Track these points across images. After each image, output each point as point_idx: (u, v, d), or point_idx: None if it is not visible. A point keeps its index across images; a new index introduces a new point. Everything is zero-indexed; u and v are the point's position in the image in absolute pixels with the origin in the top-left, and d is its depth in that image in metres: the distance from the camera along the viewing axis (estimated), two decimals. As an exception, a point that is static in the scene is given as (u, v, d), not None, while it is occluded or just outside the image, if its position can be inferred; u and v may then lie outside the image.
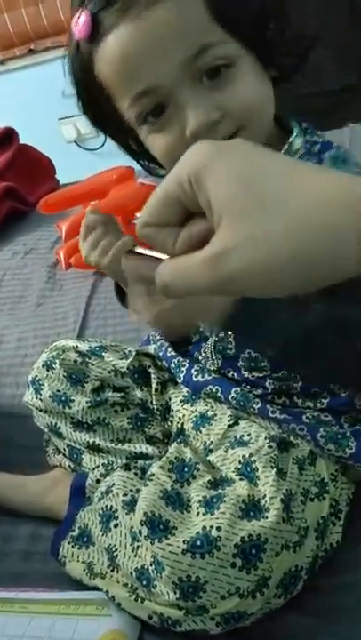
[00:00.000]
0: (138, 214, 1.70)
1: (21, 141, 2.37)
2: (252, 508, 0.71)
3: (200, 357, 0.91)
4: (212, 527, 0.69)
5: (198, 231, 0.40)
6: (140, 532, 0.71)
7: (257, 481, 0.74)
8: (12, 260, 1.88)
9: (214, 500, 0.73)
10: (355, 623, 0.71)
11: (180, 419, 0.91)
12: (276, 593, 0.70)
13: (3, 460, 1.04)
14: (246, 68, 0.67)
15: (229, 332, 0.83)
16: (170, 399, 0.95)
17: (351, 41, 2.63)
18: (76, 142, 3.07)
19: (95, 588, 0.77)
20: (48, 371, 0.96)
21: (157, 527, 0.71)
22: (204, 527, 0.69)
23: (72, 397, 0.94)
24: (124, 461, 0.89)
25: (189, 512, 0.73)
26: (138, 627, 0.72)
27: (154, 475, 0.78)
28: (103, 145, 3.02)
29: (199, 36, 0.64)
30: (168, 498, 0.75)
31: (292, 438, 0.80)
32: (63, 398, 0.94)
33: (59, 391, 0.94)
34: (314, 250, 0.36)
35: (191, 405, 0.91)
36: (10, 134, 2.34)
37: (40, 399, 0.95)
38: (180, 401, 0.92)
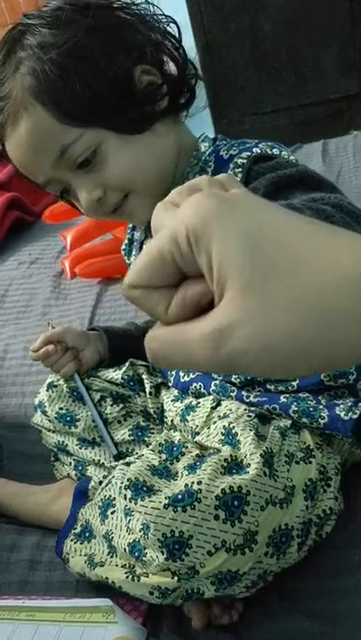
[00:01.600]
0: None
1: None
2: (233, 466, 0.73)
3: None
4: (193, 482, 0.70)
5: (193, 295, 0.35)
6: (125, 496, 0.73)
7: (239, 445, 0.75)
8: (17, 269, 1.89)
9: (197, 463, 0.74)
10: (355, 627, 0.71)
11: (170, 416, 0.93)
12: (267, 551, 0.71)
13: (8, 470, 1.05)
14: (112, 145, 0.80)
15: None
16: (163, 401, 0.97)
17: (354, 50, 2.64)
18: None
19: (98, 585, 0.77)
20: (49, 391, 1.00)
21: (141, 489, 0.72)
22: (185, 484, 0.70)
23: (77, 416, 0.96)
24: None
25: (175, 480, 0.74)
26: (144, 634, 0.72)
27: (143, 455, 0.81)
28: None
29: (55, 141, 0.79)
30: (155, 470, 0.77)
31: (274, 415, 0.82)
32: (68, 418, 0.97)
33: (61, 409, 0.98)
34: (332, 336, 0.32)
35: (181, 403, 0.92)
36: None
37: (48, 420, 0.99)
38: (171, 400, 0.95)
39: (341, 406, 0.78)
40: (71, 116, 0.78)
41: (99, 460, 0.94)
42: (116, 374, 1.00)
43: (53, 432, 0.99)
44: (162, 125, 0.83)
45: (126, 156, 0.80)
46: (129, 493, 0.72)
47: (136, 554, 0.71)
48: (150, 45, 0.81)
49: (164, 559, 0.68)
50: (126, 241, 1.03)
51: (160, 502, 0.69)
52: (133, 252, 0.99)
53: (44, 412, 0.98)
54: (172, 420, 0.92)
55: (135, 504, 0.71)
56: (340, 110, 2.70)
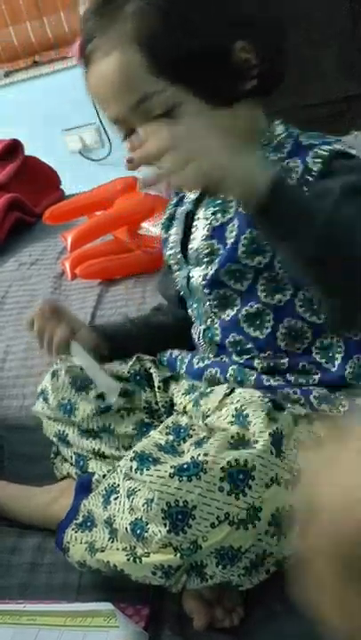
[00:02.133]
0: (143, 224, 1.72)
1: (26, 153, 2.38)
2: (240, 442, 0.73)
3: (200, 347, 0.94)
4: (199, 454, 0.70)
5: None
6: (131, 467, 0.73)
7: (248, 425, 0.75)
8: (18, 270, 1.89)
9: (205, 439, 0.75)
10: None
11: (182, 403, 0.93)
12: (268, 530, 0.70)
13: (9, 472, 1.05)
14: (190, 109, 0.78)
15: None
16: (173, 395, 0.96)
17: (355, 50, 2.64)
18: (80, 153, 3.09)
19: (100, 586, 0.77)
20: (53, 379, 0.98)
21: (147, 459, 0.73)
22: (192, 457, 0.70)
23: (76, 405, 0.95)
24: None
25: (181, 456, 0.75)
26: (146, 637, 0.72)
27: (150, 435, 0.81)
28: (108, 155, 3.04)
29: (138, 87, 0.78)
30: (162, 447, 0.77)
31: (289, 405, 0.81)
32: (68, 407, 0.95)
33: (63, 399, 0.96)
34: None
35: (192, 395, 0.91)
36: (15, 146, 2.36)
37: (49, 408, 0.97)
38: (182, 394, 0.94)
39: None
40: (162, 68, 0.77)
41: (99, 450, 0.93)
42: (122, 368, 0.99)
43: (54, 421, 0.98)
44: (242, 105, 0.82)
45: (200, 124, 0.76)
46: (135, 464, 0.73)
47: (138, 531, 0.71)
48: (257, 26, 0.80)
49: (167, 532, 0.68)
50: (167, 215, 0.99)
51: (165, 471, 0.70)
52: (175, 226, 0.95)
53: (46, 400, 0.97)
54: (184, 407, 0.91)
55: (141, 474, 0.71)
56: (340, 111, 2.69)
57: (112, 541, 0.76)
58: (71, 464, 0.97)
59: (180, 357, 0.96)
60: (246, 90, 0.80)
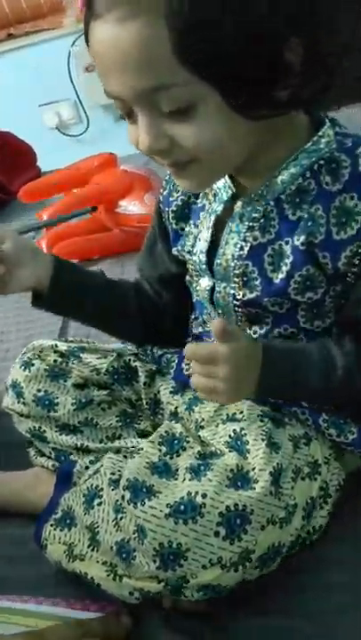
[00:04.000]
0: (121, 202, 1.68)
1: (1, 128, 2.32)
2: (240, 478, 0.71)
3: None
4: (197, 493, 0.68)
5: None
6: (123, 496, 0.71)
7: (247, 454, 0.74)
8: (-8, 250, 1.84)
9: (202, 467, 0.72)
10: (334, 623, 0.70)
11: (171, 409, 0.90)
12: (256, 566, 0.70)
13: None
14: (210, 109, 0.61)
15: None
16: (158, 392, 0.93)
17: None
18: (57, 129, 3.03)
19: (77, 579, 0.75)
20: (26, 370, 0.91)
21: (140, 490, 0.70)
22: (189, 492, 0.68)
23: (56, 399, 0.89)
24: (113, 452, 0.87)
25: (176, 479, 0.72)
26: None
27: (142, 449, 0.78)
28: (85, 131, 2.98)
29: (156, 73, 0.60)
30: (155, 467, 0.74)
31: (286, 419, 0.79)
32: (47, 401, 0.89)
33: (39, 391, 0.90)
34: None
35: (181, 396, 0.89)
36: (-11, 121, 2.30)
37: (23, 403, 0.91)
38: (170, 392, 0.91)
39: None
40: (192, 57, 0.58)
41: (82, 445, 0.89)
42: (100, 363, 0.93)
43: (27, 417, 0.92)
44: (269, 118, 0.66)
45: (217, 131, 0.63)
46: (127, 494, 0.70)
47: (124, 555, 0.69)
48: (321, 27, 0.61)
49: (156, 567, 0.66)
50: (179, 203, 0.85)
51: (161, 511, 0.67)
52: (202, 230, 0.81)
53: (20, 394, 0.91)
54: (175, 408, 0.89)
55: (135, 508, 0.69)
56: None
57: (93, 550, 0.74)
58: (48, 457, 0.92)
59: (165, 358, 0.91)
60: (279, 102, 0.63)
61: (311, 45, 0.60)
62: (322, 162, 0.70)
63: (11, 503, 0.92)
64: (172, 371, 0.90)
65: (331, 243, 0.70)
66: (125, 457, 0.81)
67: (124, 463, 0.79)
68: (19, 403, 0.91)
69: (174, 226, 0.86)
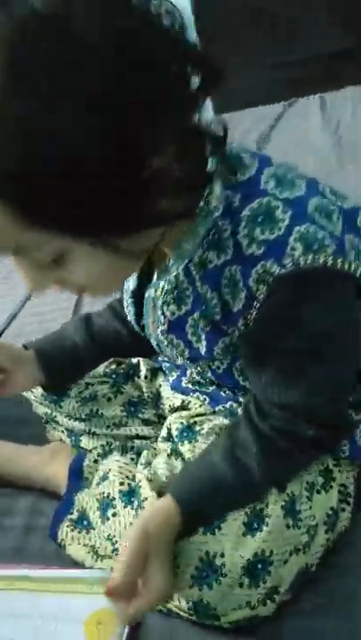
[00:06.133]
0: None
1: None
2: (254, 518, 0.70)
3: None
4: (215, 554, 0.68)
5: None
6: None
7: None
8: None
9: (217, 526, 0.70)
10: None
11: (171, 405, 0.92)
12: (285, 592, 0.71)
13: (2, 434, 1.03)
14: (82, 254, 0.57)
15: None
16: (160, 386, 0.96)
17: (340, 4, 2.55)
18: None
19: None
20: None
21: None
22: (207, 552, 0.68)
23: (62, 398, 0.96)
24: (121, 443, 0.91)
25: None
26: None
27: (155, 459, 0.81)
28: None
29: (9, 239, 0.55)
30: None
31: None
32: (53, 400, 0.96)
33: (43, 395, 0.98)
34: None
35: (182, 394, 0.90)
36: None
37: (33, 395, 0.99)
38: (171, 389, 0.93)
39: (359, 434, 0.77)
40: (38, 220, 0.53)
41: (90, 430, 0.94)
42: (96, 370, 0.98)
43: (41, 404, 0.99)
44: (150, 231, 0.60)
45: (94, 271, 0.60)
46: None
47: None
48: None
49: (188, 608, 0.69)
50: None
51: (185, 582, 0.68)
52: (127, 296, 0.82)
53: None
54: (175, 405, 0.91)
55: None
56: (336, 65, 2.62)
57: (117, 554, 0.74)
58: (62, 431, 0.98)
59: (167, 365, 0.93)
60: (159, 215, 0.56)
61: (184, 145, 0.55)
62: (213, 231, 0.63)
63: (27, 478, 0.95)
64: (170, 379, 0.92)
65: (231, 316, 0.65)
66: (132, 459, 0.84)
67: (131, 467, 0.81)
68: (30, 392, 0.98)
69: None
